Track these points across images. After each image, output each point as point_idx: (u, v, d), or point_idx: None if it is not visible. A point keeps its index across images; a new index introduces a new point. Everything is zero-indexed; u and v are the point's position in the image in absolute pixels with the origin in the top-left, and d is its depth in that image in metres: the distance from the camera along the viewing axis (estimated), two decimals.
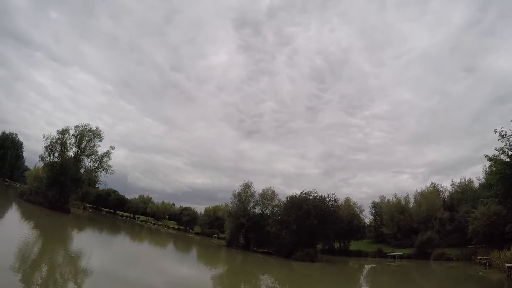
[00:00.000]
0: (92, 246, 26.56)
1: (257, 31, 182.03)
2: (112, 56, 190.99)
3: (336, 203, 47.59)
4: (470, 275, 30.89)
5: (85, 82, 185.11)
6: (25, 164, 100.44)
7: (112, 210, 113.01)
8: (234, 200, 54.49)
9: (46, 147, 49.25)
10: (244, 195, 53.98)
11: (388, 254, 51.96)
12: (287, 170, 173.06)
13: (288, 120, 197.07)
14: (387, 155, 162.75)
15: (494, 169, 22.48)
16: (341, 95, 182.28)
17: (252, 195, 54.40)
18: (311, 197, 45.91)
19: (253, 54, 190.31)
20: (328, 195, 46.99)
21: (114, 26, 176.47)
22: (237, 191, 54.55)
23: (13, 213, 35.21)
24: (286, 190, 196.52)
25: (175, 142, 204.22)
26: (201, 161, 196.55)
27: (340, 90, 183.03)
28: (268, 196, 53.98)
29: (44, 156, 49.53)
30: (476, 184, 56.90)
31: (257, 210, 54.21)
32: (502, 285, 22.79)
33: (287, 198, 48.87)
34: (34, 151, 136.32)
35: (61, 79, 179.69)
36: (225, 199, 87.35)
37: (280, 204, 50.82)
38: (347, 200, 65.21)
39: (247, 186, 54.60)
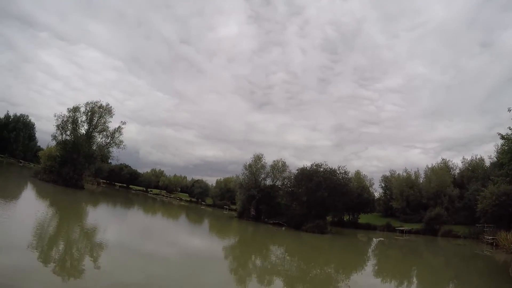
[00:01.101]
0: (107, 220, 27.36)
1: (267, 0, 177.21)
2: (119, 32, 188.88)
3: (346, 176, 47.75)
4: (476, 254, 31.28)
5: (94, 59, 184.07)
6: (38, 144, 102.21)
7: (125, 185, 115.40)
8: (245, 172, 55.18)
9: (57, 125, 50.05)
10: (255, 167, 54.54)
11: (396, 228, 52.69)
12: (298, 142, 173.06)
13: (299, 92, 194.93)
14: (399, 129, 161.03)
15: (506, 148, 21.95)
16: (354, 67, 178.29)
17: (263, 167, 54.99)
18: (321, 169, 46.04)
19: (264, 25, 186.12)
20: (339, 167, 47.18)
21: (120, 1, 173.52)
22: (248, 163, 55.18)
23: (29, 192, 36.07)
24: (297, 162, 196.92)
25: (186, 115, 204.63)
26: (212, 134, 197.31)
27: (352, 61, 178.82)
28: (278, 167, 54.47)
29: (56, 135, 50.53)
30: (487, 162, 56.92)
31: (268, 181, 54.94)
32: (508, 266, 22.95)
33: (297, 170, 49.06)
34: (45, 131, 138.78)
35: (69, 58, 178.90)
36: (236, 171, 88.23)
37: (291, 176, 51.29)
38: (358, 173, 65.68)
39: (258, 158, 55.06)
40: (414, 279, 19.76)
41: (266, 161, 55.52)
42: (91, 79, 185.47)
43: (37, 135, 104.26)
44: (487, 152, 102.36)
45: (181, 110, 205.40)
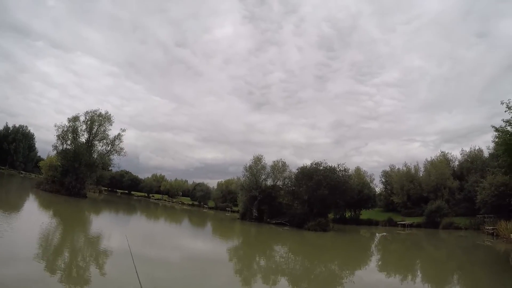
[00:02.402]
0: (110, 228, 27.47)
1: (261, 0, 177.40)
2: (115, 38, 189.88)
3: (346, 173, 48.00)
4: (478, 245, 31.46)
5: (90, 66, 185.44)
6: (38, 154, 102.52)
7: (126, 191, 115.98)
8: (246, 173, 55.37)
9: (58, 136, 50.68)
10: (255, 168, 54.70)
11: (398, 222, 52.92)
12: (298, 140, 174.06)
13: (297, 90, 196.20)
14: (398, 123, 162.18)
15: (499, 140, 22.11)
16: (350, 63, 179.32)
17: (263, 167, 55.19)
18: (321, 168, 46.32)
19: (259, 24, 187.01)
20: (338, 165, 47.42)
21: (114, 6, 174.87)
22: (248, 164, 55.43)
23: (32, 203, 36.28)
24: (298, 160, 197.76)
25: (184, 119, 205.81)
26: (212, 136, 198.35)
27: (349, 57, 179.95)
28: (279, 168, 54.71)
29: (57, 144, 51.16)
30: (486, 153, 56.92)
31: (269, 182, 55.07)
32: (508, 255, 23.26)
33: (298, 169, 49.39)
34: (44, 140, 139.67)
35: (65, 66, 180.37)
36: (237, 173, 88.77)
37: (291, 175, 51.51)
38: (358, 169, 66.34)
39: (258, 159, 55.30)
40: (418, 272, 19.96)
41: (266, 162, 55.92)
42: (88, 86, 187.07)
43: (37, 144, 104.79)
44: (487, 142, 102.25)
45: (179, 113, 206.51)
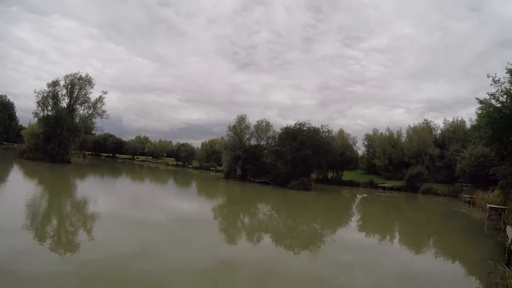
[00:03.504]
0: (96, 192, 27.81)
1: None
2: None
3: (329, 134, 49.06)
4: (455, 211, 32.87)
5: (68, 29, 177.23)
6: (20, 123, 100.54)
7: (111, 154, 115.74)
8: (230, 133, 56.02)
9: (38, 102, 49.79)
10: (239, 128, 55.27)
11: (379, 185, 54.32)
12: (283, 101, 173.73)
13: (283, 51, 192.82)
14: (384, 89, 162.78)
15: (482, 112, 22.57)
16: (339, 26, 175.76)
17: (247, 127, 55.78)
18: (305, 128, 47.03)
19: None
20: (322, 126, 48.16)
21: None
22: (232, 124, 55.93)
23: (16, 173, 36.04)
24: (282, 121, 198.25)
25: (168, 80, 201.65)
26: (196, 97, 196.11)
27: (337, 20, 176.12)
28: (262, 127, 55.32)
29: (38, 111, 50.33)
30: (468, 125, 58.06)
31: (253, 141, 56.03)
32: (483, 223, 24.71)
33: (281, 129, 50.03)
34: (25, 109, 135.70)
35: (43, 30, 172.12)
36: (221, 133, 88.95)
37: (275, 135, 52.30)
38: (341, 132, 67.31)
39: (241, 119, 55.70)
40: (397, 234, 20.96)
41: (250, 122, 56.50)
42: (68, 50, 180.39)
43: (17, 113, 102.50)
44: (470, 114, 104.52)
45: (162, 74, 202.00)
